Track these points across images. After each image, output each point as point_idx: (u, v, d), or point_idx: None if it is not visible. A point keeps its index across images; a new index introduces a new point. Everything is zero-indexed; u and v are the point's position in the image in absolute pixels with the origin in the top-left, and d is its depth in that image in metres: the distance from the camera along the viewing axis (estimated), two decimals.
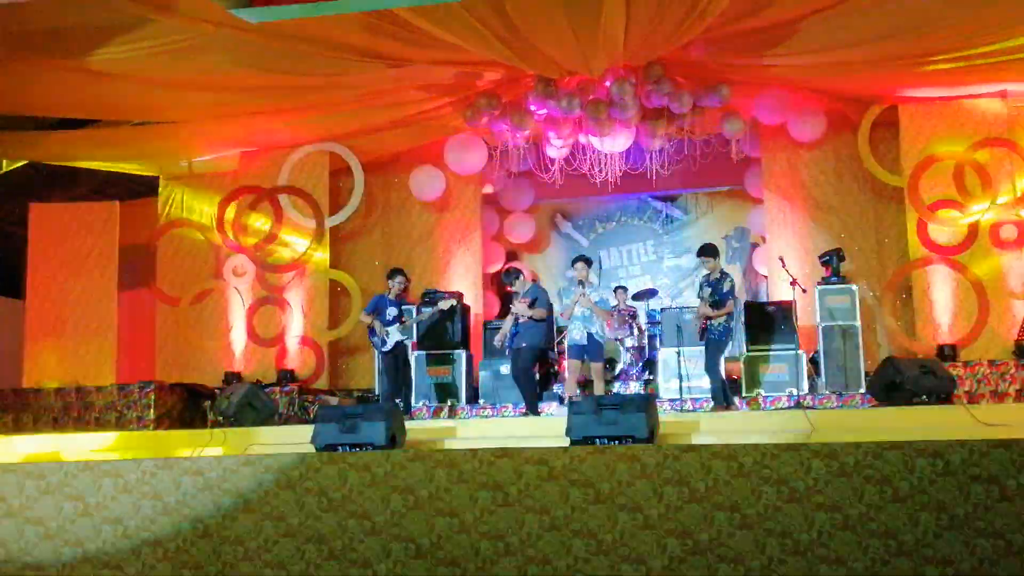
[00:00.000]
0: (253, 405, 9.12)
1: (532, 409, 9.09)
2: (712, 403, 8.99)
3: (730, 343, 9.29)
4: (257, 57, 9.63)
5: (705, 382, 9.95)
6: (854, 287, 10.32)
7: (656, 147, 11.48)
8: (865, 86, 11.03)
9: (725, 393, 8.91)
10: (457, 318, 10.85)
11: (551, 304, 9.44)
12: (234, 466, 5.98)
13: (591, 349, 9.07)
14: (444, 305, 9.76)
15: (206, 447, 7.54)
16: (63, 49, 9.21)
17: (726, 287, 8.83)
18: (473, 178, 12.72)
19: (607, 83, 10.67)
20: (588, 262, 9.28)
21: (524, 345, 9.13)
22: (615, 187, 11.96)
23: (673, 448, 5.44)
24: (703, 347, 9.08)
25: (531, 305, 9.17)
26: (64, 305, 12.11)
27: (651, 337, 11.41)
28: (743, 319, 10.54)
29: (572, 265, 9.39)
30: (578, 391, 9.32)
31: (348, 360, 12.77)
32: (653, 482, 5.30)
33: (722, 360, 9.03)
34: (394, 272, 9.88)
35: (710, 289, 8.89)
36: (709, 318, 8.81)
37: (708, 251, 9.22)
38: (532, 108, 10.98)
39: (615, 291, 12.18)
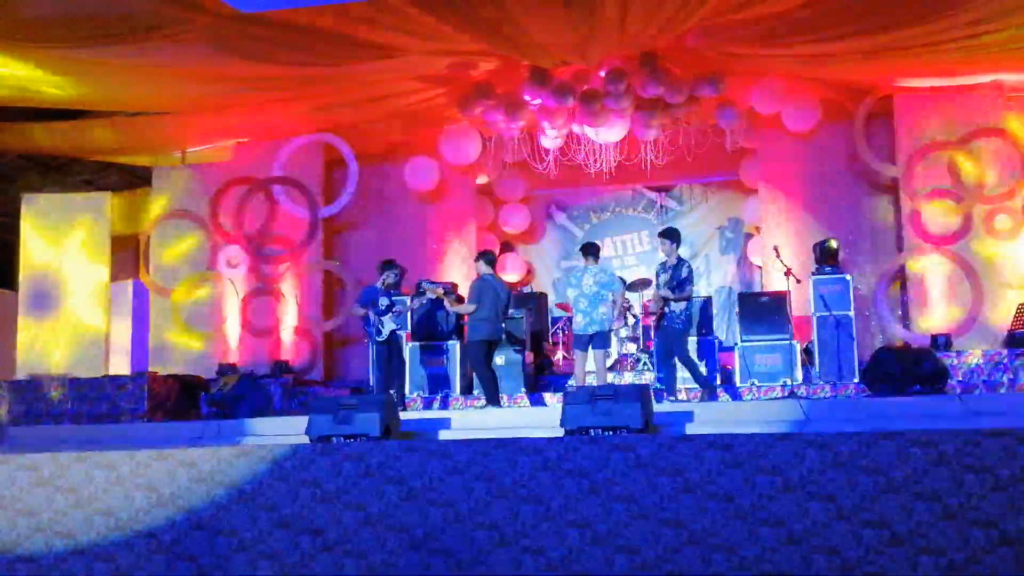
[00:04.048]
0: (247, 396, 9.10)
1: (490, 400, 8.95)
2: (701, 391, 8.96)
3: (691, 330, 9.20)
4: (250, 47, 9.58)
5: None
6: (848, 277, 10.32)
7: (651, 137, 11.45)
8: (860, 76, 11.02)
9: (704, 385, 8.91)
10: (450, 308, 10.79)
11: (483, 299, 8.96)
12: (228, 457, 5.97)
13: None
14: (431, 294, 9.71)
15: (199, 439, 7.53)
16: (55, 39, 9.15)
17: (684, 273, 8.68)
18: (467, 168, 12.69)
19: (602, 73, 10.64)
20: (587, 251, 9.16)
21: (470, 339, 9.07)
22: (610, 178, 11.94)
23: (668, 438, 5.44)
24: (658, 336, 8.92)
25: (459, 299, 9.25)
26: (58, 296, 12.05)
27: (646, 328, 11.40)
28: (737, 309, 10.53)
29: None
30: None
31: (343, 351, 12.76)
32: (648, 472, 5.30)
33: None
34: (386, 263, 9.83)
35: (667, 275, 8.76)
36: (667, 301, 8.66)
37: (670, 234, 8.94)
38: (526, 98, 10.95)
39: None
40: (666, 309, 8.70)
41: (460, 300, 9.82)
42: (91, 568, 5.99)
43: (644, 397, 6.07)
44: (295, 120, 11.92)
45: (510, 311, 9.54)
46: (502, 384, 10.11)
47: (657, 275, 8.98)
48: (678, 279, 8.67)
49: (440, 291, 9.72)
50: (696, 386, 9.71)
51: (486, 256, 9.47)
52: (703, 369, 9.31)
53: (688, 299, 8.76)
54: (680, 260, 8.83)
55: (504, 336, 9.80)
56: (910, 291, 11.01)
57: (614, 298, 8.79)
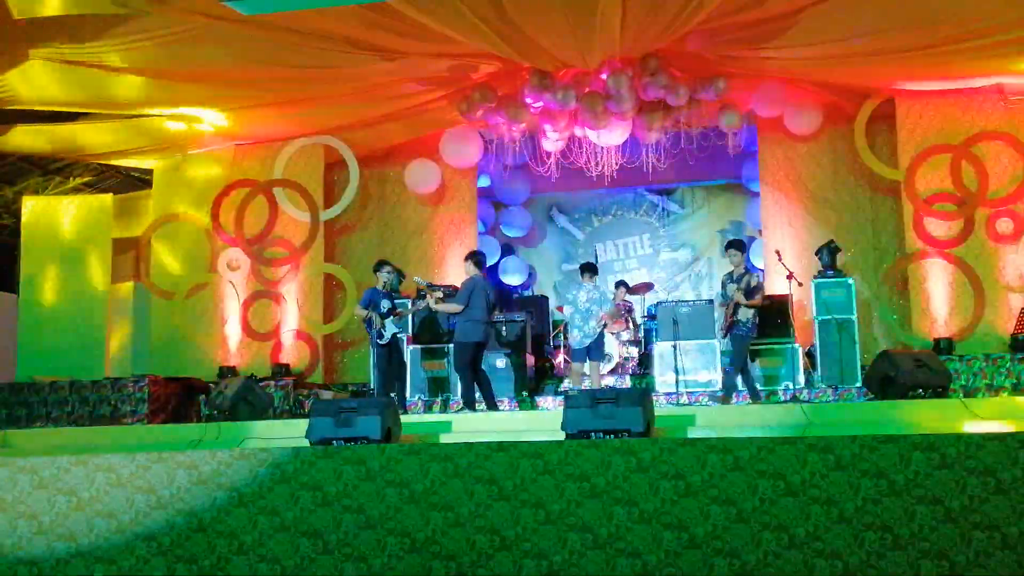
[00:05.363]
0: (248, 399, 9.09)
1: (467, 404, 8.94)
2: (723, 393, 9.03)
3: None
4: (251, 50, 9.59)
5: (702, 376, 9.98)
6: (850, 281, 10.31)
7: (652, 140, 11.44)
8: (862, 79, 11.01)
9: (729, 388, 8.95)
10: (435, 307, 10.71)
11: (474, 300, 8.95)
12: (228, 460, 5.95)
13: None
14: (432, 300, 9.68)
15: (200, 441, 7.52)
16: (56, 41, 9.16)
17: (754, 282, 8.88)
18: (469, 171, 12.69)
19: (603, 75, 10.63)
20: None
21: (460, 341, 9.08)
22: (611, 180, 11.93)
23: (669, 442, 5.42)
24: (730, 341, 9.07)
25: (444, 297, 9.34)
26: (58, 298, 12.05)
27: (647, 331, 11.39)
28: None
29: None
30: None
31: (343, 354, 12.75)
32: (649, 476, 5.28)
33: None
34: (380, 264, 9.82)
35: (735, 285, 8.89)
36: (737, 308, 8.78)
37: (739, 245, 9.19)
38: (528, 101, 10.94)
39: (616, 286, 12.16)
40: (735, 317, 8.82)
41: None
42: (92, 570, 5.97)
43: (645, 401, 6.05)
44: (295, 122, 11.92)
45: (495, 313, 9.52)
46: (504, 387, 10.12)
47: (723, 285, 9.11)
48: (748, 288, 8.81)
49: (423, 285, 9.70)
50: (698, 390, 9.79)
51: (475, 257, 9.42)
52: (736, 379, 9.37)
53: (757, 306, 8.87)
54: (748, 269, 9.00)
55: (494, 338, 9.78)
56: (912, 294, 10.99)
57: (598, 312, 9.35)
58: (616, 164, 11.69)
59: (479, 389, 9.02)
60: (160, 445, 7.45)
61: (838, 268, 10.44)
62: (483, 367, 9.34)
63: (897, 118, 11.20)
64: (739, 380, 9.16)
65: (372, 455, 5.74)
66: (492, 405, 9.00)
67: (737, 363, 8.92)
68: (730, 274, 9.09)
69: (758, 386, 9.24)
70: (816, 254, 10.52)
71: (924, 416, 7.04)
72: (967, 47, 9.63)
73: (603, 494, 5.31)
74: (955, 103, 10.91)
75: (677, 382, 9.65)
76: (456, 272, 12.48)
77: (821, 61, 10.47)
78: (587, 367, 9.43)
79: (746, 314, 8.80)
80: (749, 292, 8.78)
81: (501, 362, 10.28)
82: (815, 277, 10.39)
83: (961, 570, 4.80)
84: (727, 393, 9.02)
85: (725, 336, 9.09)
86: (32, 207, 12.40)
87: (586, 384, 9.37)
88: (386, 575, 5.50)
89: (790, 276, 9.46)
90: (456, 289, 10.03)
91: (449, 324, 10.60)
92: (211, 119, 11.45)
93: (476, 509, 5.47)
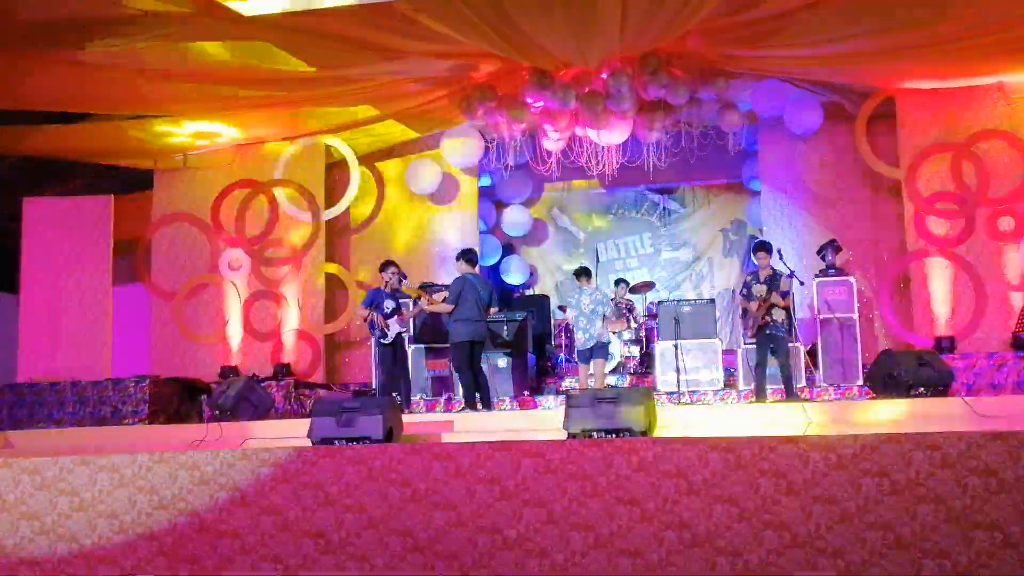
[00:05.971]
0: (249, 399, 9.10)
1: (468, 404, 8.91)
2: (786, 395, 8.98)
3: None
4: (252, 50, 9.59)
5: (704, 375, 9.98)
6: (851, 279, 10.31)
7: (653, 140, 11.45)
8: (863, 78, 11.01)
9: (790, 389, 8.94)
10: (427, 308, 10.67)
11: (464, 299, 8.94)
12: (230, 460, 5.96)
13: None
14: (405, 289, 9.70)
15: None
16: (57, 41, 9.16)
17: (786, 285, 8.90)
18: (470, 171, 12.69)
19: (603, 75, 10.63)
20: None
21: (452, 341, 9.06)
22: (612, 180, 11.93)
23: (671, 441, 5.43)
24: (761, 341, 8.98)
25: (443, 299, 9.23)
26: (58, 300, 12.05)
27: (648, 330, 11.39)
28: (740, 312, 10.52)
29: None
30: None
31: (344, 354, 12.75)
32: (650, 475, 5.28)
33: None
34: (385, 264, 9.83)
35: (764, 286, 8.87)
36: (769, 311, 8.78)
37: (768, 247, 9.19)
38: (528, 100, 10.94)
39: (616, 284, 12.18)
40: (768, 318, 8.81)
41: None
42: (94, 570, 5.98)
43: (647, 400, 6.06)
44: (297, 122, 11.93)
45: (493, 310, 9.40)
46: (505, 387, 10.11)
47: (748, 286, 9.09)
48: (785, 289, 8.87)
49: (415, 289, 9.72)
50: (699, 389, 9.80)
51: (466, 255, 9.38)
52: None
53: (788, 307, 8.93)
54: (776, 271, 9.02)
55: (489, 336, 9.75)
56: (913, 293, 10.99)
57: (604, 313, 9.55)
58: (617, 163, 11.70)
59: (461, 385, 9.03)
60: (162, 445, 7.46)
61: (839, 267, 10.44)
62: (484, 366, 9.32)
63: (898, 117, 11.20)
64: (753, 373, 9.18)
65: (374, 455, 5.75)
66: (487, 404, 8.99)
67: (787, 363, 8.90)
68: (755, 274, 9.10)
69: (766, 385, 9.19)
70: (818, 253, 10.53)
71: (926, 415, 7.04)
72: (968, 46, 9.62)
73: (605, 493, 5.32)
74: (956, 102, 10.90)
75: (679, 381, 9.65)
76: (456, 271, 12.47)
77: (821, 60, 10.47)
78: (592, 366, 9.50)
79: (780, 314, 8.84)
80: (782, 294, 8.82)
81: (502, 361, 10.28)
82: (816, 276, 10.39)
83: (963, 569, 4.80)
84: (790, 392, 8.96)
85: (753, 336, 9.07)
86: (32, 208, 12.39)
87: (590, 383, 9.42)
88: (388, 574, 5.51)
89: (791, 275, 9.45)
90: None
91: (448, 324, 10.60)
92: (218, 131, 11.48)
93: (478, 508, 5.48)
